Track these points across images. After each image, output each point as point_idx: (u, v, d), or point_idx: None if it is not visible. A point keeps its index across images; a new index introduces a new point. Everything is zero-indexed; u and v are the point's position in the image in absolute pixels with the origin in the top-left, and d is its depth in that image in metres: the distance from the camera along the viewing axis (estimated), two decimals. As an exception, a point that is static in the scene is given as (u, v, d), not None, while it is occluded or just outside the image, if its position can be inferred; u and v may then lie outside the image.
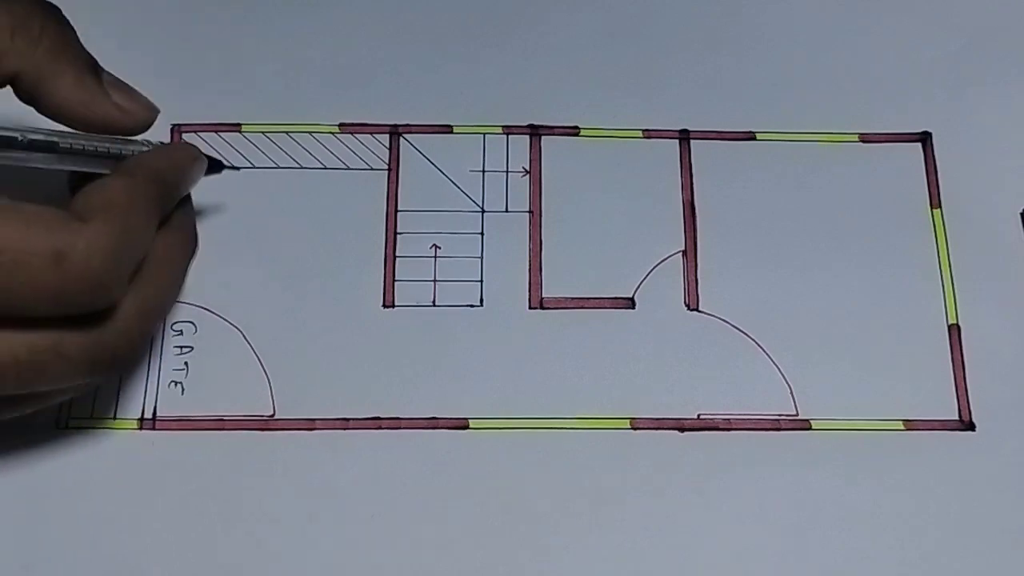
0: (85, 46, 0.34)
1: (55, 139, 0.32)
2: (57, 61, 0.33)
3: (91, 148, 0.33)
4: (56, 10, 0.34)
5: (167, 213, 0.33)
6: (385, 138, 0.42)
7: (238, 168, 0.40)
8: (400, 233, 0.40)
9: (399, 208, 0.40)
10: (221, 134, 0.41)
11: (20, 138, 0.32)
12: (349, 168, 0.41)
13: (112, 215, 0.30)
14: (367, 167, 0.41)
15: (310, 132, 0.41)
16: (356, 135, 0.42)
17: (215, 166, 0.38)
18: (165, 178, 0.33)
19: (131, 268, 0.31)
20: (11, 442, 0.37)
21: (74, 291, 0.29)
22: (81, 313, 0.30)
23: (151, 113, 0.35)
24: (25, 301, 0.29)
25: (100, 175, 0.33)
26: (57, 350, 0.30)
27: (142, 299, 0.32)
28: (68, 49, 0.33)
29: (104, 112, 0.34)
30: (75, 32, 0.34)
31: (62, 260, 0.29)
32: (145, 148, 0.34)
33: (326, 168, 0.41)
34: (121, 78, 0.35)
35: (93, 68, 0.34)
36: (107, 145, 0.34)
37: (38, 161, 0.32)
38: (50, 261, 0.28)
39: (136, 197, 0.31)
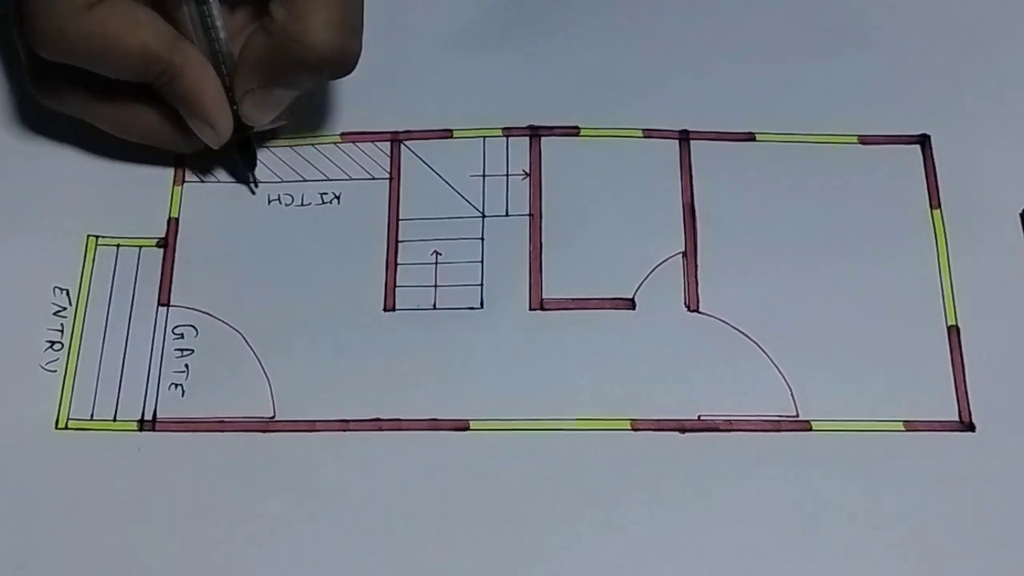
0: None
1: None
2: None
3: None
4: None
5: None
6: (386, 146, 0.42)
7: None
8: (402, 241, 0.40)
9: (400, 217, 0.41)
10: (227, 152, 0.41)
11: None
12: (351, 179, 0.41)
13: None
14: (369, 177, 0.41)
15: (313, 144, 0.42)
16: (358, 144, 0.42)
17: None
18: None
19: None
20: (10, 443, 0.37)
21: None
22: None
23: None
24: None
25: None
26: None
27: None
28: None
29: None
30: None
31: None
32: None
33: (329, 180, 0.41)
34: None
35: None
36: None
37: None
38: None
39: None
